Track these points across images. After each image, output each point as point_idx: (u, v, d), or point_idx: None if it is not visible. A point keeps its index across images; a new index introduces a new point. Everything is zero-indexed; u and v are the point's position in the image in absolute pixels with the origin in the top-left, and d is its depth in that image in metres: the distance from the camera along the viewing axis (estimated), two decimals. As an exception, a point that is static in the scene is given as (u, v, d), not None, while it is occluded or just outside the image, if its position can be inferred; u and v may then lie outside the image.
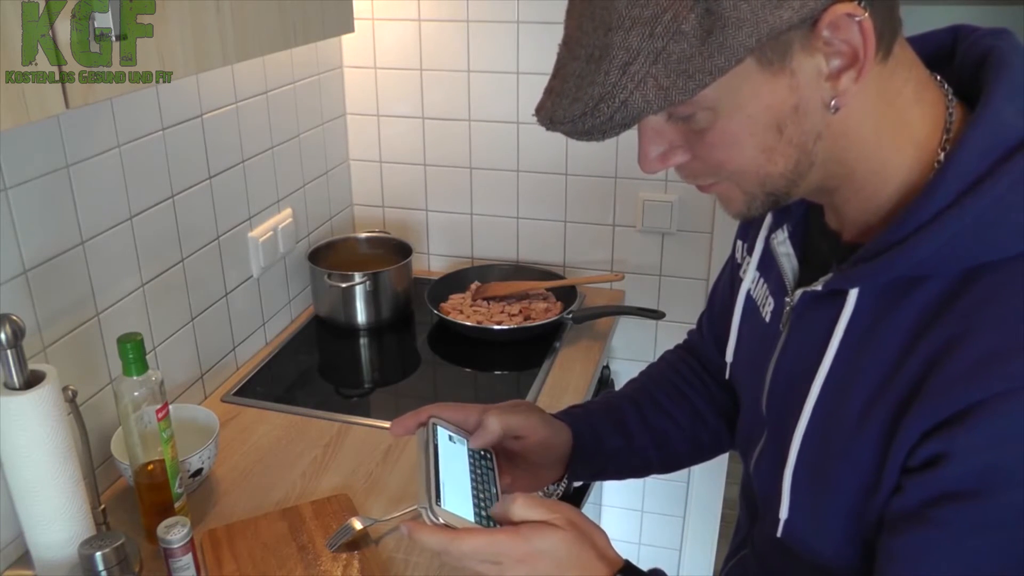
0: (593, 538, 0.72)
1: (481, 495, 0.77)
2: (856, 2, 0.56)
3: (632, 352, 1.88)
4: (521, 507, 0.71)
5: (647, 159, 0.66)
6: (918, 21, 0.69)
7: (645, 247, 1.79)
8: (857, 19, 0.56)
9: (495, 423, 0.84)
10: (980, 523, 0.59)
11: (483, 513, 0.75)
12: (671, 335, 1.83)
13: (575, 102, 0.59)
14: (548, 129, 0.63)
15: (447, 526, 0.71)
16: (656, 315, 1.67)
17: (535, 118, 0.64)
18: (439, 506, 0.72)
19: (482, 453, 0.84)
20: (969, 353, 0.58)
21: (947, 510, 0.59)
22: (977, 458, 0.57)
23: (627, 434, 0.95)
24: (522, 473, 0.88)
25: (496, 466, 0.83)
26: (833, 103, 0.60)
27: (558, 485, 0.94)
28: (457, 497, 0.75)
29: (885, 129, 0.63)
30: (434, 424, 0.83)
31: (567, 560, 0.69)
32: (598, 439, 0.94)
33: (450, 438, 0.83)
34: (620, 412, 0.97)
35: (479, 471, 0.81)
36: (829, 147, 0.62)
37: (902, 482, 0.62)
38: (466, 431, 0.86)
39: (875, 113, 0.62)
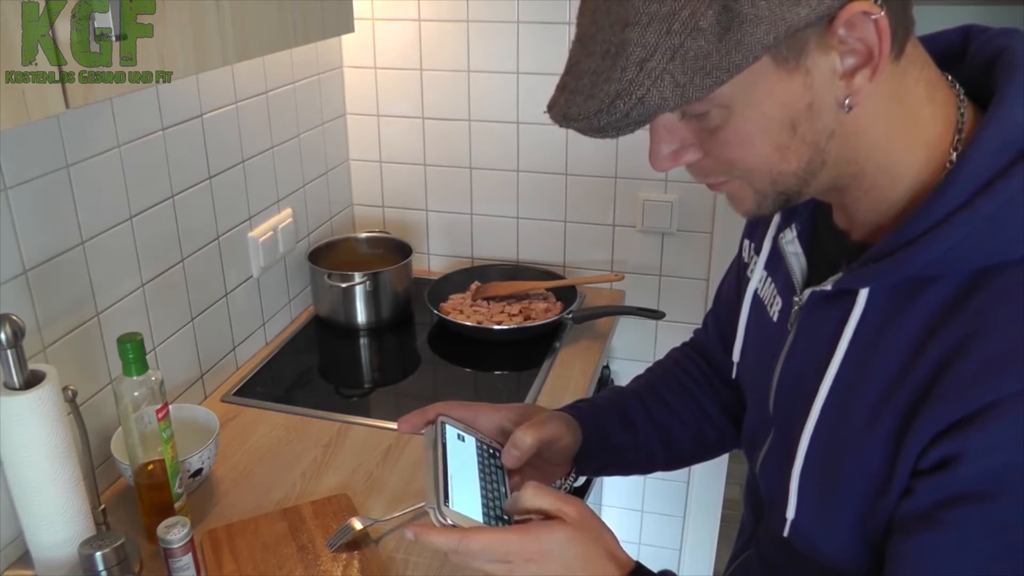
0: (603, 537, 0.72)
1: (490, 494, 0.77)
2: (872, 0, 0.56)
3: (632, 352, 1.88)
4: (532, 495, 0.72)
5: (659, 157, 0.66)
6: (926, 21, 0.69)
7: (645, 247, 1.79)
8: (873, 17, 0.56)
9: (529, 441, 0.82)
10: (992, 525, 0.58)
11: (492, 513, 0.74)
12: (671, 335, 1.83)
13: (590, 99, 0.59)
14: (561, 126, 0.62)
15: (454, 527, 0.71)
16: (656, 315, 1.67)
17: (547, 114, 0.63)
18: (447, 507, 0.72)
19: (491, 451, 0.83)
20: (981, 354, 0.58)
21: (959, 512, 0.59)
22: (989, 459, 0.57)
23: (632, 429, 0.96)
24: (530, 469, 0.88)
25: (505, 464, 0.83)
26: (847, 102, 0.59)
27: (564, 480, 0.94)
28: (465, 497, 0.74)
29: (897, 128, 0.63)
30: (442, 422, 0.83)
31: (577, 559, 0.70)
32: (604, 434, 0.94)
33: (459, 436, 0.82)
34: (626, 407, 0.97)
35: (488, 470, 0.80)
36: (841, 146, 0.62)
37: (913, 484, 0.62)
38: (476, 430, 0.85)
39: (887, 112, 0.62)
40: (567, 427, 0.89)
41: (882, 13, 0.56)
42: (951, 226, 0.59)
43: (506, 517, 0.75)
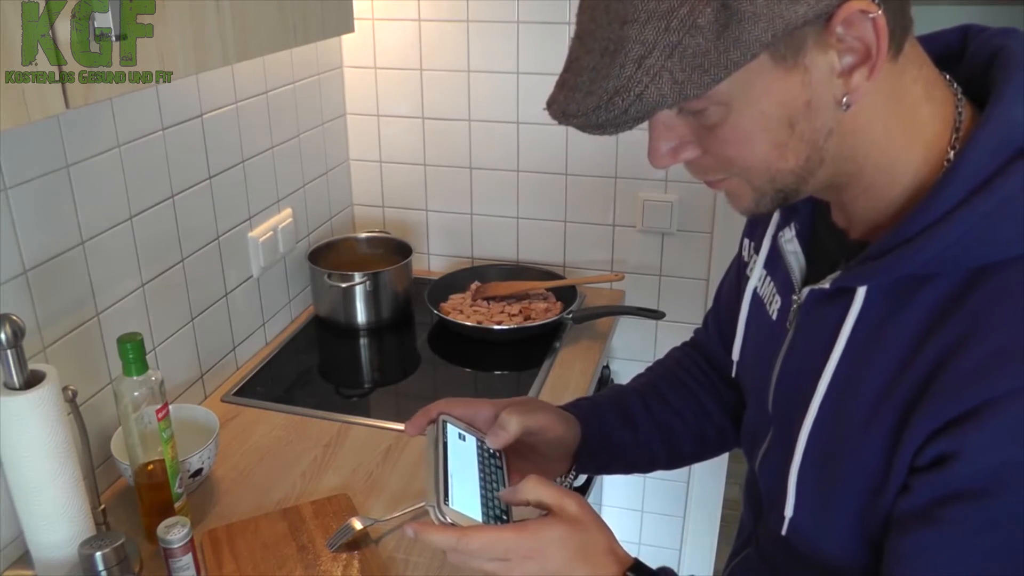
0: (602, 533, 0.72)
1: (490, 494, 0.77)
2: None
3: (632, 352, 1.88)
4: (532, 487, 0.72)
5: (658, 154, 0.66)
6: (925, 21, 0.69)
7: (645, 247, 1.79)
8: (871, 16, 0.56)
9: (514, 423, 0.83)
10: (989, 522, 0.59)
11: (491, 512, 0.75)
12: (671, 335, 1.83)
13: (589, 95, 0.59)
14: (560, 122, 0.63)
15: (454, 525, 0.71)
16: (656, 315, 1.67)
17: (546, 111, 0.63)
18: (447, 505, 0.72)
19: (492, 452, 0.83)
20: (978, 351, 0.58)
21: (956, 509, 0.59)
22: (986, 457, 0.57)
23: (633, 427, 0.96)
24: (530, 467, 0.88)
25: (506, 464, 0.83)
26: (845, 100, 0.60)
27: (564, 477, 0.94)
28: (465, 496, 0.75)
29: (895, 127, 0.63)
30: (444, 421, 0.83)
31: (575, 554, 0.70)
32: (606, 433, 0.94)
33: (460, 436, 0.83)
34: (627, 406, 0.97)
35: (488, 470, 0.80)
36: (839, 144, 0.62)
37: (910, 481, 0.62)
38: (476, 428, 0.86)
39: (885, 111, 0.62)
40: (560, 420, 0.89)
41: (879, 12, 0.56)
42: (949, 224, 0.59)
43: (505, 517, 0.75)
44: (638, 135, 0.65)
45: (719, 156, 0.64)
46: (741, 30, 0.54)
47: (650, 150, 0.66)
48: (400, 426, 1.34)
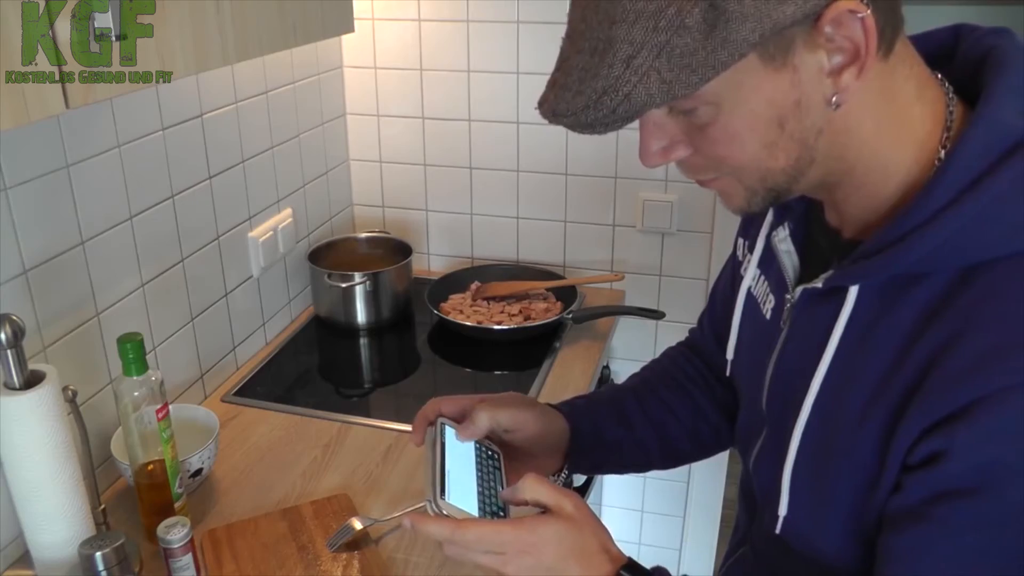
0: (598, 532, 0.73)
1: (487, 491, 0.78)
2: None
3: (632, 352, 1.88)
4: (531, 486, 0.72)
5: (648, 153, 0.66)
6: (919, 20, 0.69)
7: (645, 247, 1.79)
8: (860, 16, 0.56)
9: (483, 418, 0.84)
10: (980, 521, 0.59)
11: (488, 510, 0.75)
12: (671, 335, 1.83)
13: (578, 95, 0.59)
14: (551, 122, 0.63)
15: (450, 518, 0.72)
16: (656, 315, 1.67)
17: (537, 111, 0.64)
18: (443, 499, 0.73)
19: (489, 453, 0.85)
20: (969, 350, 0.58)
21: (947, 508, 0.59)
22: (977, 455, 0.57)
23: (628, 426, 0.96)
24: (521, 465, 0.89)
25: (503, 466, 0.84)
26: (834, 99, 0.60)
27: (558, 476, 0.94)
28: (462, 493, 0.76)
29: (886, 126, 0.63)
30: (442, 423, 0.85)
31: (571, 552, 0.70)
32: (598, 431, 0.94)
33: (457, 437, 0.84)
34: (622, 404, 0.98)
35: (485, 470, 0.81)
36: (830, 143, 0.63)
37: (902, 480, 0.62)
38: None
39: (876, 110, 0.62)
40: (539, 417, 0.90)
41: (868, 11, 0.56)
42: (939, 223, 0.59)
43: (502, 515, 0.76)
44: (639, 135, 0.65)
45: (710, 155, 0.64)
46: (729, 30, 0.55)
47: (641, 149, 0.66)
48: (400, 426, 1.34)
